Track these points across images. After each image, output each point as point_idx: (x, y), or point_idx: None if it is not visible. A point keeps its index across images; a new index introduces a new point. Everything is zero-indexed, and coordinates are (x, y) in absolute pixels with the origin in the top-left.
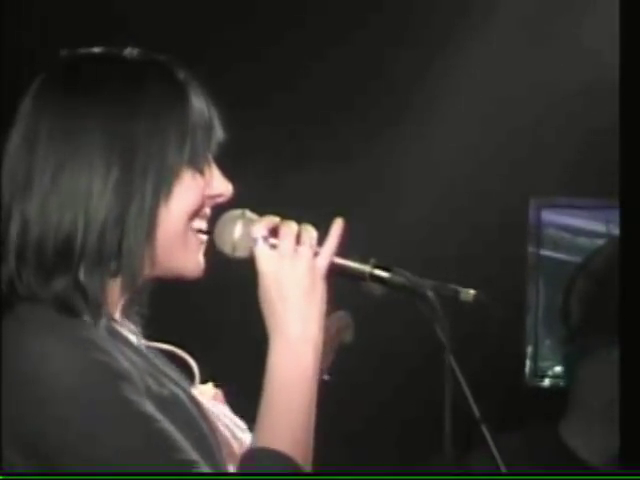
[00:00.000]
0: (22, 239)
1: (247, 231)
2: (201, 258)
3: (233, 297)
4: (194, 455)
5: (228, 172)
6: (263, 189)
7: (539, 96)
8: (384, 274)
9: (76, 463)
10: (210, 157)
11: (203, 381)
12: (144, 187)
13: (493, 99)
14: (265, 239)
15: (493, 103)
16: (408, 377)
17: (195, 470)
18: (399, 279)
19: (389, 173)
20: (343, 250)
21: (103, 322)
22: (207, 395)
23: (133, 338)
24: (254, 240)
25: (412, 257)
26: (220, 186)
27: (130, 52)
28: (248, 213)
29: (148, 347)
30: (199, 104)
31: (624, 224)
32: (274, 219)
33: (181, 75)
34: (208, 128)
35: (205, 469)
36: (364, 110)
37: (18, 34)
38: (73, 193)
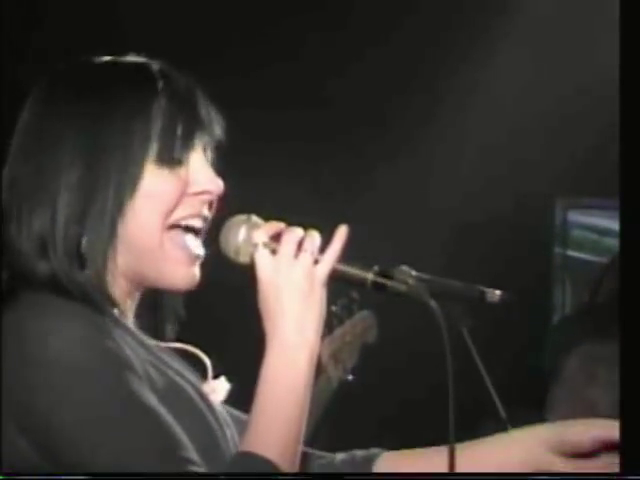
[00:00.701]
0: (16, 231)
1: (250, 236)
2: (191, 270)
3: (244, 296)
4: (186, 442)
5: (234, 176)
6: (269, 194)
7: (566, 96)
8: (386, 282)
9: (74, 444)
10: (197, 153)
11: (215, 376)
12: (107, 185)
13: (519, 99)
14: (265, 245)
15: (519, 103)
16: (433, 376)
17: (184, 462)
18: (400, 287)
19: (414, 174)
20: (349, 254)
21: (108, 312)
22: (220, 390)
23: (140, 334)
24: (255, 245)
25: (438, 258)
26: (205, 183)
27: (115, 58)
28: (254, 218)
29: (158, 346)
30: (176, 102)
31: (624, 224)
32: (278, 224)
33: (154, 74)
34: (190, 126)
35: (198, 464)
36: (374, 112)
37: (21, 38)
38: (44, 190)
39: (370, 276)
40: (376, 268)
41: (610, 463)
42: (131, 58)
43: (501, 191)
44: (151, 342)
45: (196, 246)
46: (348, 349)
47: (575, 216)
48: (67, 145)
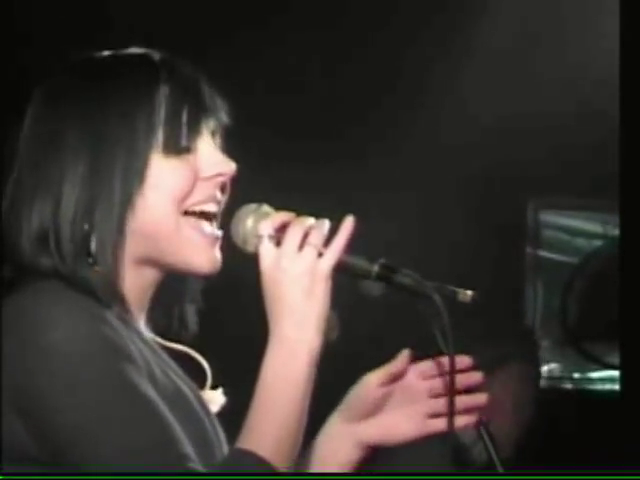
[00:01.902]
0: (17, 226)
1: (257, 226)
2: (213, 252)
3: (246, 297)
4: (183, 438)
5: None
6: (279, 182)
7: (538, 98)
8: (391, 275)
9: (70, 431)
10: (204, 139)
11: (213, 386)
12: (112, 176)
13: (493, 101)
14: (271, 237)
15: (493, 105)
16: None
17: (182, 456)
18: (405, 280)
19: (386, 174)
20: (351, 248)
21: (114, 308)
22: (216, 402)
23: (146, 332)
24: (260, 237)
25: (408, 258)
26: (217, 166)
27: (117, 51)
28: (265, 207)
29: (162, 346)
30: (180, 90)
31: (624, 225)
32: (286, 215)
33: (156, 64)
34: (195, 113)
35: (194, 460)
36: (367, 111)
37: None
38: (48, 189)
39: (375, 268)
40: (382, 260)
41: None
42: (133, 50)
43: (473, 191)
44: (154, 342)
45: (213, 229)
46: None
47: (547, 216)
48: (71, 139)
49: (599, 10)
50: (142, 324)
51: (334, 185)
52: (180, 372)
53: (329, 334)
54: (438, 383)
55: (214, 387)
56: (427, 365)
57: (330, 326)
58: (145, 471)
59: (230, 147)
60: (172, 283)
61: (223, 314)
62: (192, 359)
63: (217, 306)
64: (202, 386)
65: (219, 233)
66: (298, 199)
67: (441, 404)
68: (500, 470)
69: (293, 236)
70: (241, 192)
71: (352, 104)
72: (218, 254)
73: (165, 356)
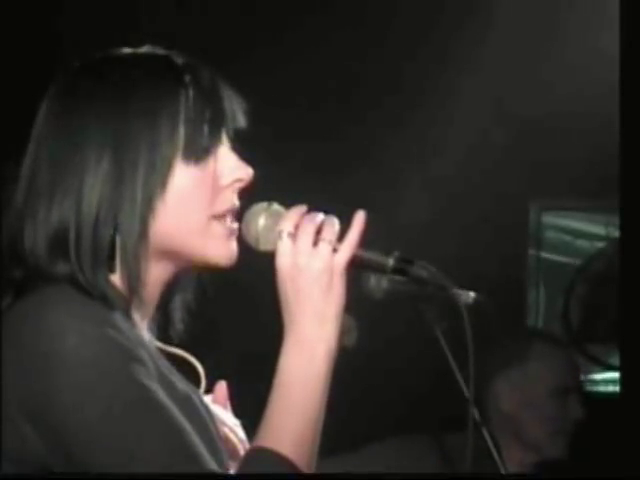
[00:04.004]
0: (32, 230)
1: (269, 224)
2: (232, 245)
3: (242, 301)
4: (198, 442)
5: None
6: (288, 182)
7: (539, 98)
8: (407, 268)
9: (83, 439)
10: (223, 145)
11: (207, 391)
12: (134, 181)
13: (495, 102)
14: (290, 234)
15: (494, 106)
16: (409, 379)
17: (198, 459)
18: (423, 272)
19: (389, 174)
20: (364, 242)
21: (125, 313)
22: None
23: (147, 335)
24: (279, 233)
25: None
26: (235, 172)
27: (135, 50)
28: (275, 206)
29: (159, 349)
30: (202, 94)
31: (624, 226)
32: (301, 210)
33: (179, 67)
34: (217, 118)
35: (209, 462)
36: (367, 110)
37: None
38: (67, 190)
39: (391, 262)
40: (396, 253)
41: None
42: (151, 50)
43: (474, 192)
44: (154, 346)
45: (231, 223)
46: None
47: (550, 218)
48: (93, 136)
49: (599, 10)
50: (145, 328)
51: (337, 186)
52: (180, 375)
53: (347, 338)
54: None
55: (207, 392)
56: None
57: (348, 330)
58: (159, 473)
59: (243, 150)
60: (174, 279)
61: (217, 316)
62: (186, 363)
63: (211, 308)
64: (197, 388)
65: (236, 226)
66: (303, 200)
67: None
68: (500, 470)
69: (307, 232)
70: (246, 192)
71: (352, 104)
72: (235, 247)
73: (164, 361)
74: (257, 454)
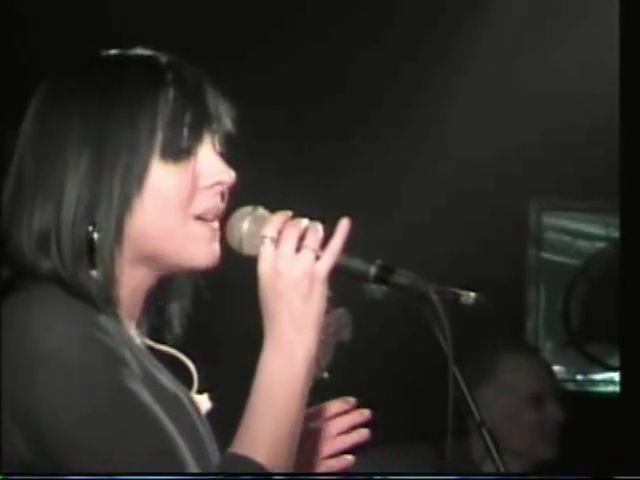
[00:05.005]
0: (17, 228)
1: (253, 229)
2: (213, 246)
3: (237, 301)
4: (180, 445)
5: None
6: (274, 186)
7: (539, 99)
8: (388, 276)
9: (64, 440)
10: (205, 145)
11: (200, 391)
12: (112, 181)
13: (495, 103)
14: (273, 240)
15: (494, 107)
16: (408, 377)
17: (178, 460)
18: (403, 281)
19: (389, 175)
20: (347, 249)
21: (110, 312)
22: (202, 406)
23: (136, 335)
24: (262, 238)
25: (411, 259)
26: (217, 175)
27: (123, 52)
28: (260, 210)
29: (150, 348)
30: (184, 94)
31: (624, 226)
32: (285, 215)
33: (162, 67)
34: (198, 118)
35: (189, 463)
36: (366, 112)
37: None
38: (50, 189)
39: (373, 270)
40: (379, 261)
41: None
42: (138, 51)
43: (475, 193)
44: (144, 344)
45: (212, 223)
46: (322, 347)
47: (550, 218)
48: (74, 138)
49: (599, 10)
50: (133, 327)
51: (333, 187)
52: (170, 375)
53: (342, 334)
54: (334, 425)
55: (200, 392)
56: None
57: (343, 326)
58: (142, 475)
59: (229, 152)
60: (161, 282)
61: (210, 317)
62: (178, 362)
63: (203, 309)
64: (189, 388)
65: (217, 226)
66: (294, 203)
67: (336, 446)
68: (501, 470)
69: (289, 238)
70: (238, 195)
71: (352, 104)
72: (217, 247)
73: (155, 361)
74: (231, 459)
